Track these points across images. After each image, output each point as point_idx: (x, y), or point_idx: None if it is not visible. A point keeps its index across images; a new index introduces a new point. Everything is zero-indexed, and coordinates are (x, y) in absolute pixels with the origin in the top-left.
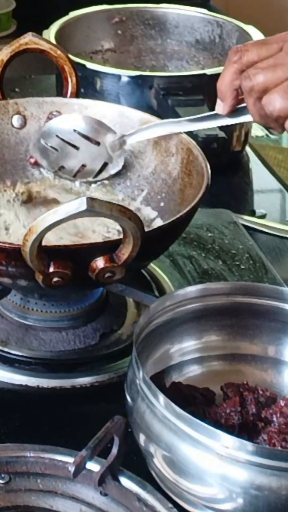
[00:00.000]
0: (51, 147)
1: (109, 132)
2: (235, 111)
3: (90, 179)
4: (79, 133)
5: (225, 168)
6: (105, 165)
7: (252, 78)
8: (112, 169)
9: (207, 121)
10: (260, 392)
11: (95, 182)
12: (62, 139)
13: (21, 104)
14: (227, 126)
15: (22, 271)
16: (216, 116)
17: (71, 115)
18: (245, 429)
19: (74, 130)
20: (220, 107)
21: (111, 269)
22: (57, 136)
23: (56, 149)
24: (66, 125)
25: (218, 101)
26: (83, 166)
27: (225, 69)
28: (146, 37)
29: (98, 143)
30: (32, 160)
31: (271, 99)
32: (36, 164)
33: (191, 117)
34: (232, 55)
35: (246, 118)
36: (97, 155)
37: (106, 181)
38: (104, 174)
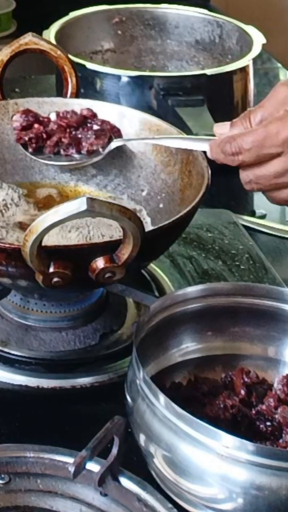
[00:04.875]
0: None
1: None
2: None
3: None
4: None
5: (225, 168)
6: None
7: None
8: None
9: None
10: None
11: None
12: None
13: (21, 104)
14: None
15: (22, 271)
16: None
17: None
18: (249, 425)
19: None
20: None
21: (111, 269)
22: None
23: None
24: None
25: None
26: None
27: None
28: (146, 37)
29: None
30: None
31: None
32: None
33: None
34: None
35: None
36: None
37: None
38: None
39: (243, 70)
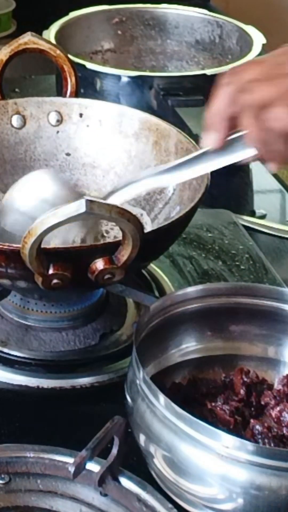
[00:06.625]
0: None
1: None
2: (227, 146)
3: None
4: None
5: (225, 168)
6: None
7: (254, 91)
8: None
9: (197, 165)
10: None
11: None
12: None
13: (21, 104)
14: None
15: (21, 273)
16: (206, 155)
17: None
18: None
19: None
20: (211, 139)
21: (110, 270)
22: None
23: None
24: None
25: (206, 135)
26: None
27: (216, 96)
28: (146, 37)
29: None
30: None
31: (277, 112)
32: None
33: (179, 162)
34: (226, 77)
35: (240, 155)
36: None
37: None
38: None
39: None
